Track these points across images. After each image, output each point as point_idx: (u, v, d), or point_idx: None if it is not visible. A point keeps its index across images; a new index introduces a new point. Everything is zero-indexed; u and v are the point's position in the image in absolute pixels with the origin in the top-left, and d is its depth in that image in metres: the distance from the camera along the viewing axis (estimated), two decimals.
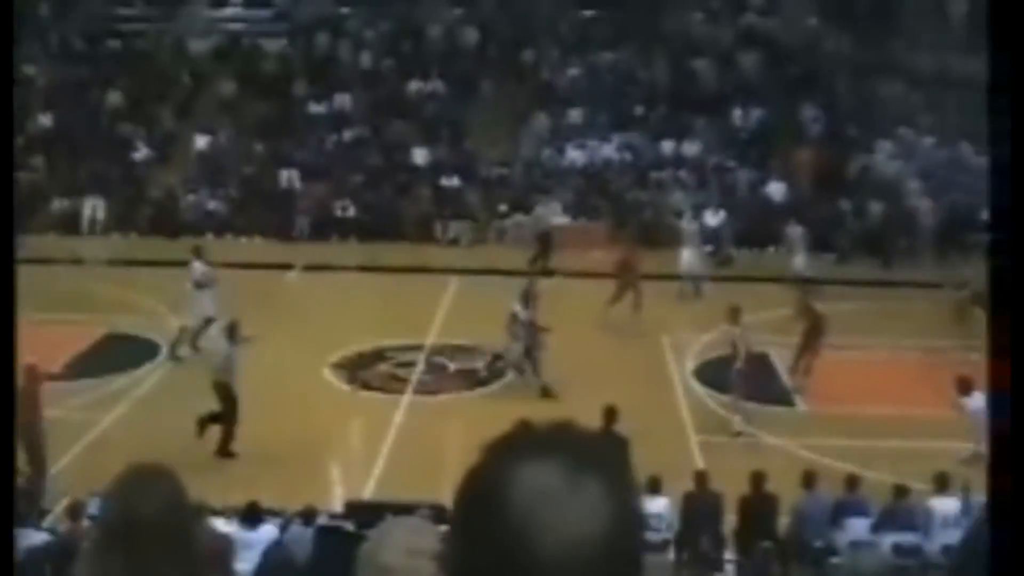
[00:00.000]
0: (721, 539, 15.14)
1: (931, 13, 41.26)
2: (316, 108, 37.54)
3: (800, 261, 27.63)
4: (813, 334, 21.99)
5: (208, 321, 22.55)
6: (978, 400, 16.58)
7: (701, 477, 15.48)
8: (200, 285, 23.06)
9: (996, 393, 1.18)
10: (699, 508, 15.13)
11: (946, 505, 14.97)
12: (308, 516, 14.04)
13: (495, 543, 1.49)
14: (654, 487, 14.65)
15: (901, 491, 15.28)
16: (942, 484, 15.22)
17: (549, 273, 28.85)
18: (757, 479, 15.10)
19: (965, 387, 17.30)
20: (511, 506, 1.48)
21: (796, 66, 39.91)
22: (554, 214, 33.66)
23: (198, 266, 23.23)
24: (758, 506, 15.07)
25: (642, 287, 25.16)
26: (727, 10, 41.80)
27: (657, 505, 14.63)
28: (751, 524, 14.97)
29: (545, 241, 30.90)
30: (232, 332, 18.89)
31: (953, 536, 13.05)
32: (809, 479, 15.57)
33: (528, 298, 21.77)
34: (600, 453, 1.55)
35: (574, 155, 36.28)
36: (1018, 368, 1.21)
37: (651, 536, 14.49)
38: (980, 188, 35.11)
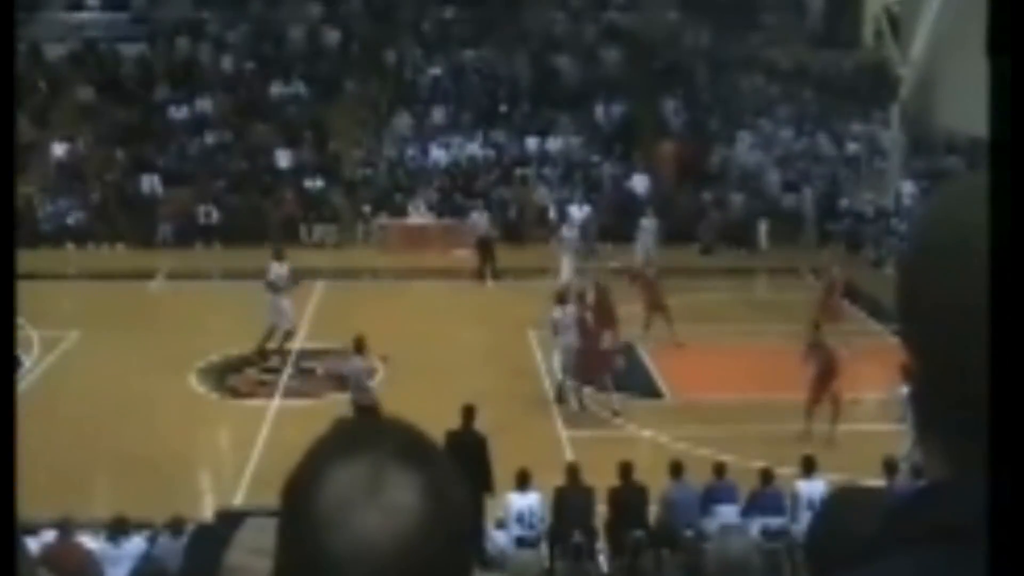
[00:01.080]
0: (593, 531, 15.23)
1: (788, 8, 42.05)
2: (177, 112, 37.03)
3: (647, 253, 27.92)
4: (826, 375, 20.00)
5: (288, 334, 22.68)
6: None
7: (572, 470, 15.55)
8: (276, 288, 22.76)
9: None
10: (571, 501, 15.20)
11: (812, 488, 15.26)
12: (176, 527, 13.83)
13: (300, 543, 1.49)
14: (523, 482, 14.71)
15: (767, 476, 15.53)
16: (808, 467, 15.51)
17: (496, 276, 28.92)
18: (625, 469, 15.22)
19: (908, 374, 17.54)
20: (315, 505, 1.48)
21: (657, 61, 40.37)
22: (421, 215, 33.70)
23: (275, 267, 23.04)
24: (627, 496, 15.20)
25: (667, 303, 24.07)
26: (588, 7, 42.12)
27: (528, 500, 14.69)
28: (621, 514, 15.09)
29: (484, 246, 30.44)
30: (360, 346, 18.33)
31: None
32: (676, 468, 15.76)
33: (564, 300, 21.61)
34: (415, 451, 1.55)
35: (438, 154, 36.31)
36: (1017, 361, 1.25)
37: (523, 532, 14.57)
38: (836, 177, 35.97)
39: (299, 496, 1.48)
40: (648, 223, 29.61)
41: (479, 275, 29.46)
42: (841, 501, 3.14)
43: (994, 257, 1.34)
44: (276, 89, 38.08)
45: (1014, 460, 1.33)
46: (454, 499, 1.50)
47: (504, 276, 29.61)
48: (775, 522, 15.12)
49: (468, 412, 15.73)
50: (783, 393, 19.56)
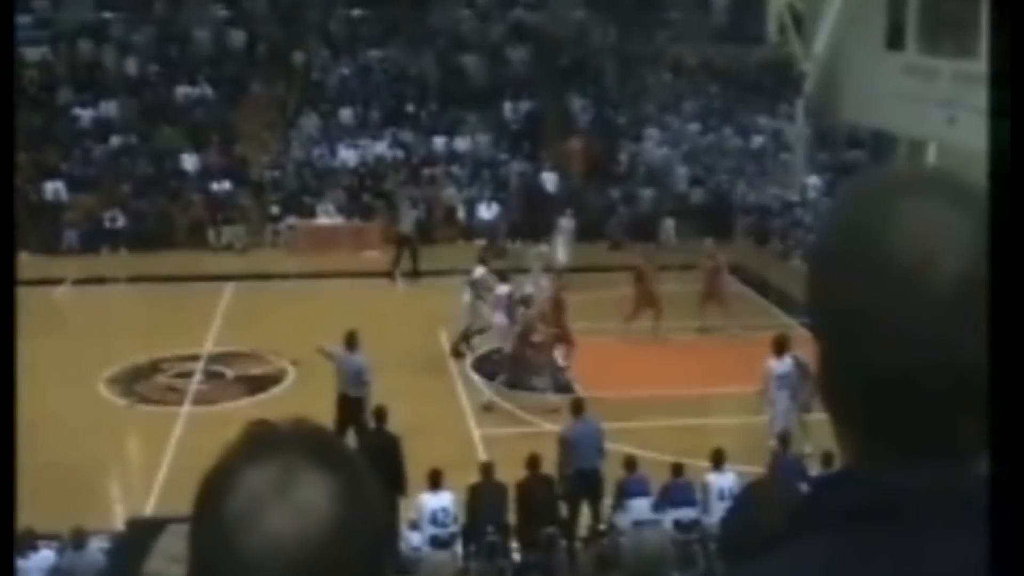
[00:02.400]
0: (508, 528, 15.26)
1: (693, 4, 42.40)
2: (81, 116, 36.50)
3: (563, 253, 28.12)
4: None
5: (478, 332, 22.66)
6: (785, 364, 17.29)
7: (486, 468, 15.57)
8: (477, 291, 22.76)
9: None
10: (485, 500, 15.22)
11: (723, 480, 15.42)
12: (78, 540, 13.61)
13: (210, 545, 1.48)
14: (435, 482, 14.70)
15: (677, 469, 15.67)
16: (718, 460, 15.65)
17: (416, 274, 28.84)
18: (533, 462, 15.27)
19: (780, 348, 17.80)
20: (225, 507, 1.47)
21: (564, 58, 40.52)
22: (330, 217, 33.58)
23: (478, 271, 22.92)
24: (536, 490, 15.26)
25: (660, 297, 24.52)
26: (495, 5, 42.17)
27: (441, 500, 14.68)
28: (530, 508, 15.13)
29: (406, 241, 30.20)
30: (351, 341, 17.99)
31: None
32: (577, 406, 16.18)
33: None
34: (326, 453, 1.54)
35: (346, 155, 36.16)
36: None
37: (437, 531, 14.56)
38: (740, 170, 36.35)
39: (210, 499, 1.48)
40: (567, 223, 29.66)
41: (392, 274, 29.37)
42: (754, 494, 3.18)
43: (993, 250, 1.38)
44: (182, 92, 37.68)
45: (1011, 450, 1.36)
46: (366, 500, 1.51)
47: (414, 275, 29.57)
48: (687, 514, 15.27)
49: (380, 413, 15.72)
50: (693, 387, 19.74)
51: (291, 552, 1.44)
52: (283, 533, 1.44)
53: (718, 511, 14.98)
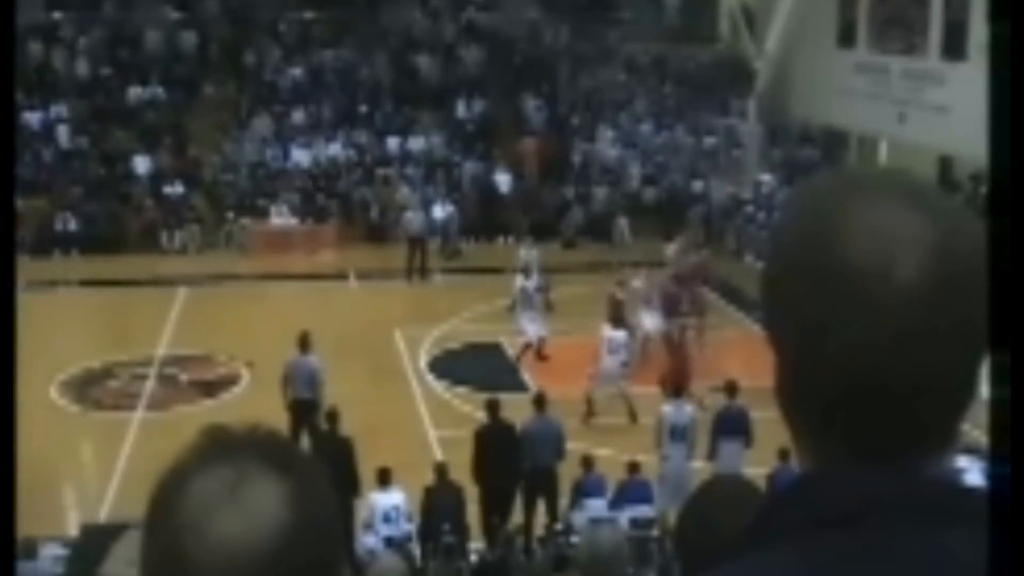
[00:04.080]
0: (465, 529, 15.29)
1: (645, 3, 42.54)
2: (31, 119, 36.15)
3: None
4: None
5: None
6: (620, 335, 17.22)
7: (441, 469, 15.59)
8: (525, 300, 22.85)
9: None
10: (440, 500, 15.24)
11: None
12: (29, 549, 13.49)
13: (162, 549, 1.48)
14: (384, 481, 14.69)
15: (633, 466, 15.72)
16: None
17: (424, 273, 28.88)
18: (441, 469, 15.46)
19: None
20: (176, 511, 1.47)
21: (517, 58, 40.56)
22: (283, 218, 33.48)
23: (520, 280, 23.17)
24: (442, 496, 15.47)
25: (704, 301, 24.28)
26: (447, 6, 42.15)
27: (392, 499, 14.66)
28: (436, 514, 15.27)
29: (417, 243, 30.08)
30: (304, 343, 17.90)
31: None
32: (540, 401, 16.27)
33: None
34: (278, 456, 1.54)
35: (299, 156, 36.04)
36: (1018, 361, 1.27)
37: (391, 532, 14.53)
38: (693, 169, 36.51)
39: (161, 504, 1.48)
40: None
41: (408, 274, 29.18)
42: (711, 491, 3.18)
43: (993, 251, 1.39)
44: (133, 93, 37.43)
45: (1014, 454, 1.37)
46: (319, 505, 1.51)
47: (369, 276, 29.53)
48: (644, 512, 15.33)
49: (332, 415, 15.68)
50: (648, 385, 19.77)
51: (241, 557, 1.44)
52: (233, 538, 1.44)
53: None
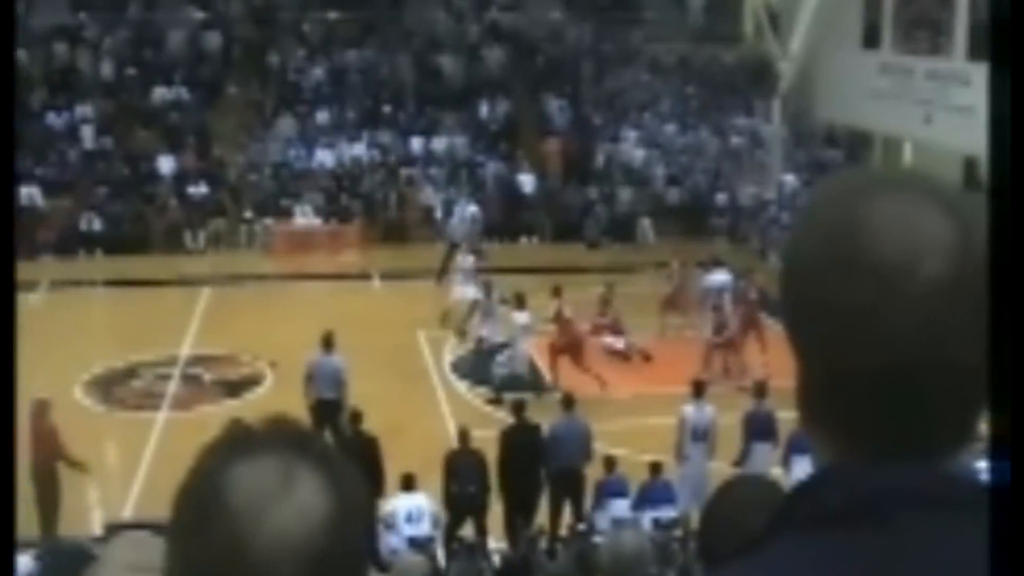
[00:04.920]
0: (488, 489, 15.50)
1: (669, 4, 42.48)
2: (56, 120, 36.34)
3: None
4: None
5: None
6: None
7: (463, 433, 15.98)
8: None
9: None
10: (462, 461, 15.62)
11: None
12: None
13: (212, 539, 1.48)
14: (408, 487, 14.73)
15: (656, 467, 15.71)
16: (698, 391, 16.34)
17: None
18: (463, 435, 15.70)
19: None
20: (227, 501, 1.47)
21: (541, 59, 40.55)
22: (307, 218, 33.56)
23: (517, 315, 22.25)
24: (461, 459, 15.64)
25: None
26: (471, 6, 42.17)
27: (414, 500, 14.70)
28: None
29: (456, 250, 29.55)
30: (328, 342, 18.03)
31: None
32: (568, 401, 16.33)
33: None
34: (311, 447, 1.56)
35: (323, 156, 36.10)
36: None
37: (414, 532, 14.55)
38: (717, 170, 36.46)
39: (207, 500, 1.48)
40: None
41: (440, 277, 28.90)
42: (733, 491, 3.18)
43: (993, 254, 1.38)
44: (157, 94, 37.57)
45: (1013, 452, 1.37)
46: (356, 493, 1.54)
47: (392, 276, 29.54)
48: (666, 513, 15.32)
49: (355, 416, 15.75)
50: (670, 386, 19.72)
51: (298, 547, 1.45)
52: (290, 529, 1.45)
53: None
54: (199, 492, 1.50)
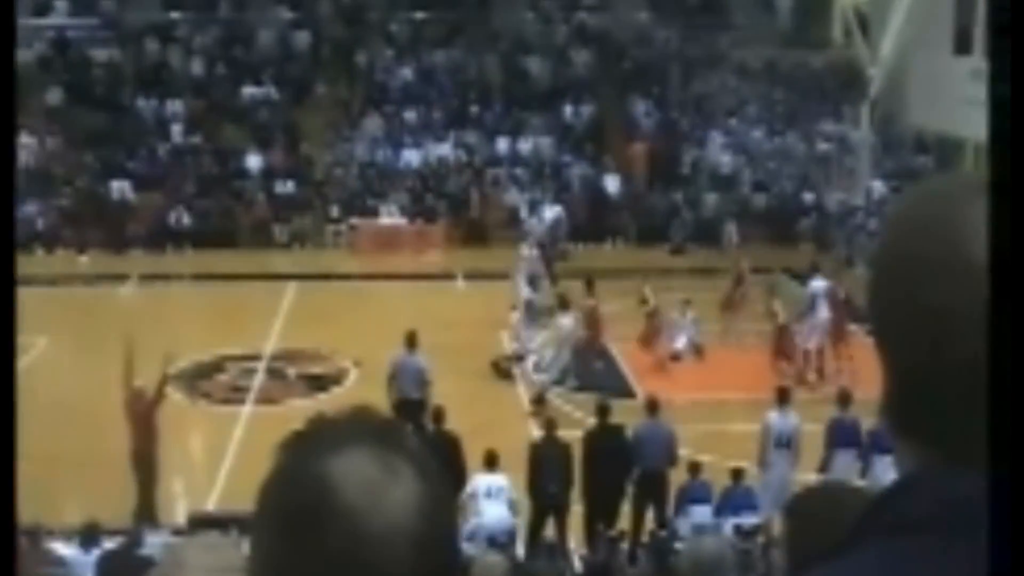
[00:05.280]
0: (570, 484, 15.49)
1: (757, 8, 42.19)
2: (147, 116, 36.87)
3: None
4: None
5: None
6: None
7: (550, 423, 16.15)
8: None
9: None
10: (547, 453, 15.63)
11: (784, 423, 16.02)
12: (89, 535, 13.48)
13: (323, 546, 1.47)
14: (491, 464, 14.95)
15: (738, 474, 15.61)
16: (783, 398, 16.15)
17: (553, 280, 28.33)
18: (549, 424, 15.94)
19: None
20: (335, 494, 1.47)
21: (627, 61, 40.45)
22: (392, 217, 33.77)
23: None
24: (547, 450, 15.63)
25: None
26: (559, 8, 42.17)
27: (495, 478, 14.88)
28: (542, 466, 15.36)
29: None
30: (412, 342, 18.19)
31: None
32: (652, 405, 16.33)
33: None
34: (401, 437, 1.57)
35: (409, 156, 36.28)
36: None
37: (493, 510, 14.62)
38: (804, 176, 36.17)
39: (310, 493, 1.47)
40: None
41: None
42: (816, 496, 3.16)
43: (994, 258, 1.36)
44: (247, 92, 37.97)
45: (1013, 458, 1.35)
46: (444, 486, 1.54)
47: (476, 277, 29.58)
48: (748, 520, 15.21)
49: (438, 414, 15.79)
50: (755, 392, 19.58)
51: (413, 535, 1.46)
52: (402, 518, 1.46)
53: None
54: (302, 490, 1.49)
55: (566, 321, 21.71)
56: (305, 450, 1.51)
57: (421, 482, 1.48)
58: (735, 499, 15.37)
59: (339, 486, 1.46)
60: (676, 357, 23.26)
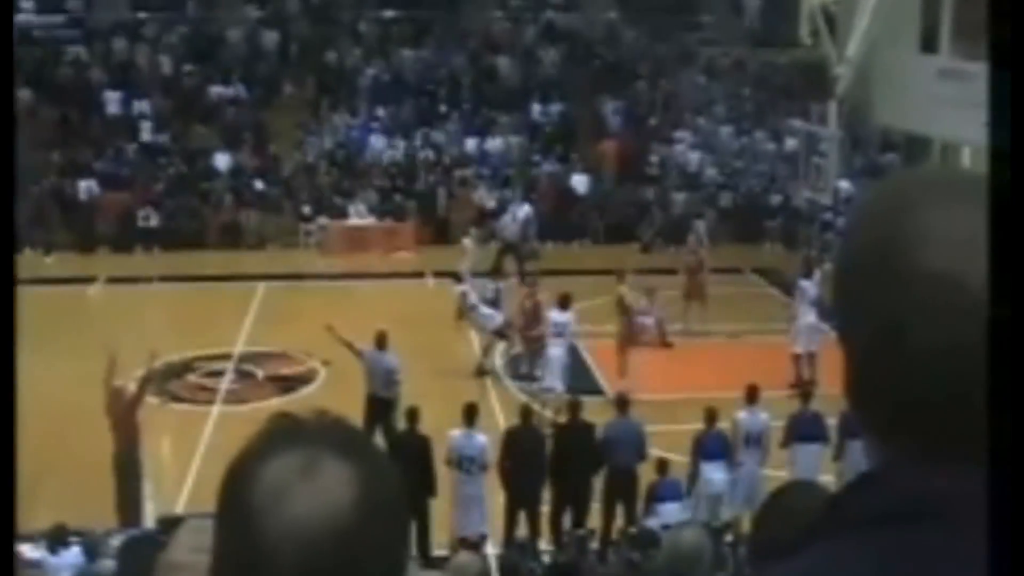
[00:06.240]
0: (543, 473, 15.64)
1: (725, 7, 42.31)
2: (115, 115, 36.68)
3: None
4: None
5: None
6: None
7: (526, 411, 16.43)
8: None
9: None
10: (522, 440, 15.82)
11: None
12: (58, 536, 13.49)
13: (235, 530, 1.51)
14: (470, 420, 15.51)
15: (663, 465, 15.79)
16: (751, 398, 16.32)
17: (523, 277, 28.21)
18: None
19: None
20: (250, 493, 1.50)
21: (596, 60, 40.51)
22: (361, 217, 33.69)
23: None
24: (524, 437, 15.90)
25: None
26: (527, 7, 42.19)
27: (471, 432, 15.46)
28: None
29: (510, 249, 30.02)
30: (381, 341, 18.30)
31: None
32: (622, 403, 16.56)
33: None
34: (350, 443, 1.57)
35: (378, 155, 36.20)
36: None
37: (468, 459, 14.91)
38: (772, 174, 36.28)
39: (234, 488, 1.51)
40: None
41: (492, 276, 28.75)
42: (784, 495, 3.18)
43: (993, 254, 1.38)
44: (215, 91, 37.84)
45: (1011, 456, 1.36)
46: (388, 487, 1.54)
47: (446, 276, 29.50)
48: (674, 510, 15.34)
49: (412, 414, 15.79)
50: (724, 390, 19.62)
51: (314, 538, 1.47)
52: (306, 519, 1.47)
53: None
54: (229, 481, 1.53)
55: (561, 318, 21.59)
56: (249, 448, 1.54)
57: (349, 488, 1.49)
58: (662, 490, 15.46)
59: (250, 484, 1.48)
60: (641, 335, 23.23)
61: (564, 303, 21.55)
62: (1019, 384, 1.36)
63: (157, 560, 2.66)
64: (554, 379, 20.81)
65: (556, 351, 21.15)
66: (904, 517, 1.39)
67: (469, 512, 15.35)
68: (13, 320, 1.94)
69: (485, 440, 15.56)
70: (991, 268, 1.37)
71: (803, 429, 16.26)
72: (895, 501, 1.41)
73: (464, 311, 23.38)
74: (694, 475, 15.97)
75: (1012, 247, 1.37)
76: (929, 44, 31.36)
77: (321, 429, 1.57)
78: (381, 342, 18.13)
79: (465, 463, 15.30)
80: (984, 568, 1.35)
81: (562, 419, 16.81)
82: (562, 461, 15.63)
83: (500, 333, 23.09)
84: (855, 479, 1.48)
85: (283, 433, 1.56)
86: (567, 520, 15.85)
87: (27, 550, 12.91)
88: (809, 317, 21.96)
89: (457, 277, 24.96)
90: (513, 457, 15.47)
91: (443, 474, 15.44)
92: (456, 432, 15.45)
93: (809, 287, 22.47)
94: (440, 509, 15.32)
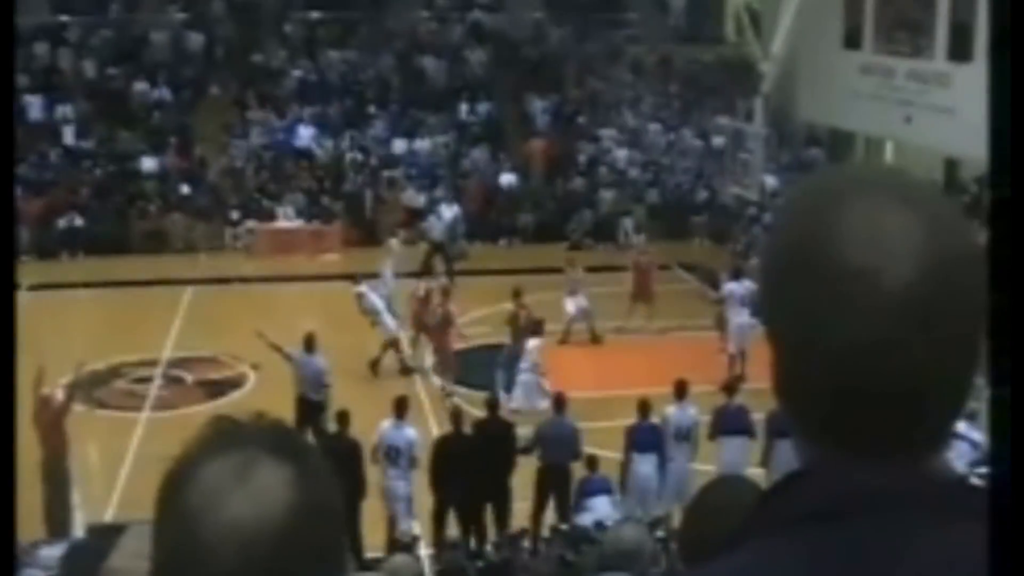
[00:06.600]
0: (475, 476, 15.60)
1: (651, 5, 42.52)
2: (37, 119, 36.19)
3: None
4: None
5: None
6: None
7: (456, 414, 16.37)
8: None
9: None
10: (455, 447, 15.80)
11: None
12: (29, 552, 13.44)
13: (172, 533, 1.51)
14: (400, 414, 15.60)
15: (592, 461, 15.89)
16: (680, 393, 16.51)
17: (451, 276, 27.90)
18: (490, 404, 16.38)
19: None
20: (186, 496, 1.50)
21: (523, 60, 40.57)
22: (289, 220, 33.51)
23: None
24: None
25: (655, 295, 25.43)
26: (453, 7, 42.16)
27: (400, 425, 15.50)
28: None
29: (438, 248, 29.90)
30: (310, 344, 18.15)
31: None
32: (559, 402, 16.68)
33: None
34: (285, 445, 1.57)
35: (305, 157, 36.01)
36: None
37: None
38: (699, 170, 36.51)
39: (171, 492, 1.51)
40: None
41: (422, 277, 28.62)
42: (713, 491, 3.20)
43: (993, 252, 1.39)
44: (139, 94, 37.47)
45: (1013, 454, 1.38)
46: (324, 488, 1.54)
47: (374, 278, 29.43)
48: (604, 504, 15.43)
49: (342, 417, 15.74)
50: (653, 386, 19.72)
51: (250, 540, 1.47)
52: (242, 521, 1.47)
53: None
54: (166, 485, 1.54)
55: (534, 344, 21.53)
56: (187, 451, 1.54)
57: (285, 491, 1.49)
58: (591, 485, 15.54)
59: (189, 488, 1.49)
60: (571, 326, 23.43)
61: (536, 330, 21.59)
62: (1019, 380, 1.38)
63: (99, 568, 2.64)
64: (522, 401, 20.88)
65: (525, 376, 21.24)
66: (834, 515, 1.40)
67: (396, 506, 15.38)
68: (13, 323, 1.93)
69: (414, 433, 15.59)
70: (991, 265, 1.39)
71: (729, 422, 16.40)
72: (825, 499, 1.42)
73: (363, 311, 23.27)
74: (626, 467, 16.06)
75: (1013, 247, 1.39)
76: (852, 40, 31.69)
77: (258, 432, 1.57)
78: (310, 345, 18.09)
79: (392, 453, 15.28)
80: (912, 563, 1.36)
81: (482, 415, 16.83)
82: (479, 458, 15.66)
83: (392, 343, 23.02)
84: (785, 477, 1.49)
85: (220, 436, 1.56)
86: (488, 518, 15.89)
87: None
88: (742, 317, 22.05)
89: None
90: (444, 464, 15.42)
91: (373, 477, 15.41)
92: (385, 422, 15.48)
93: (737, 288, 22.56)
94: (371, 511, 15.27)
